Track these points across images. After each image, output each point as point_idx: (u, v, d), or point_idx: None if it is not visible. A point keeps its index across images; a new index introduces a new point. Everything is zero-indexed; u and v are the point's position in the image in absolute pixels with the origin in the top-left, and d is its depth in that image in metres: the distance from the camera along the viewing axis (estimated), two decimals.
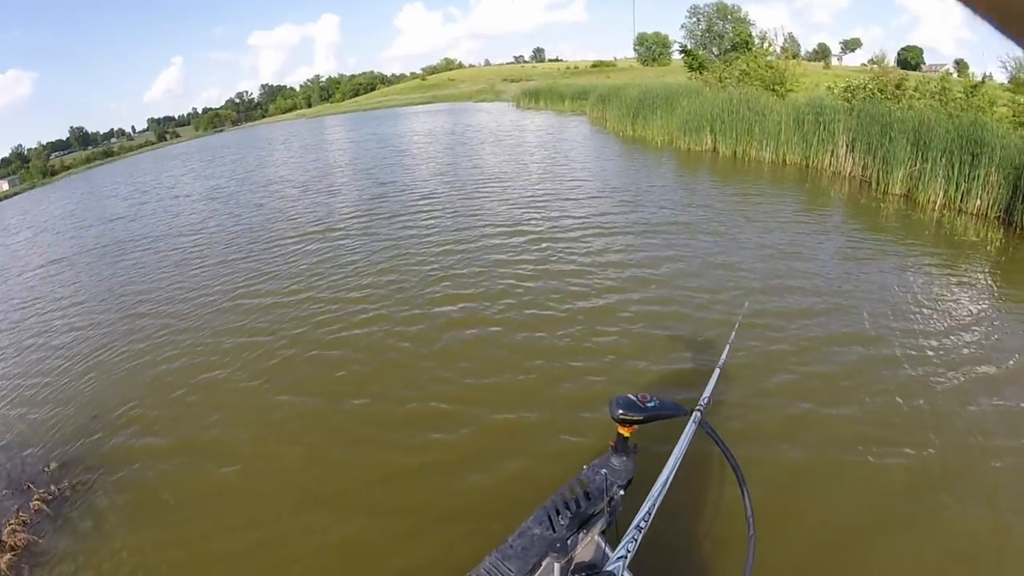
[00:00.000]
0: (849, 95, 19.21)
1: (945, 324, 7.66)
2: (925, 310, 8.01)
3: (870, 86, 19.44)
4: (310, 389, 6.99)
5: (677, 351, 7.09)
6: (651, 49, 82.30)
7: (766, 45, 32.51)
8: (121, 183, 36.83)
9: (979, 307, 8.27)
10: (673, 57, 78.95)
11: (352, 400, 6.62)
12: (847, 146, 15.84)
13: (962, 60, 60.53)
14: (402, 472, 5.30)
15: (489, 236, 12.06)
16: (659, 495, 2.19)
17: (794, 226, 11.74)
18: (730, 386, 6.04)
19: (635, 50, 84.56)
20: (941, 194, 13.16)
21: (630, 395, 2.36)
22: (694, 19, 70.16)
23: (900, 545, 4.23)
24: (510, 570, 2.10)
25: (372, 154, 28.57)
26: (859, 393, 6.03)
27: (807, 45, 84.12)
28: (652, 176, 16.90)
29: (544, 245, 11.21)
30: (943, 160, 13.03)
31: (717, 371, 3.09)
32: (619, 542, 2.20)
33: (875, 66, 29.80)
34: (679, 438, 2.47)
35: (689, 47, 39.05)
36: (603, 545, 2.43)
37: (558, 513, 2.29)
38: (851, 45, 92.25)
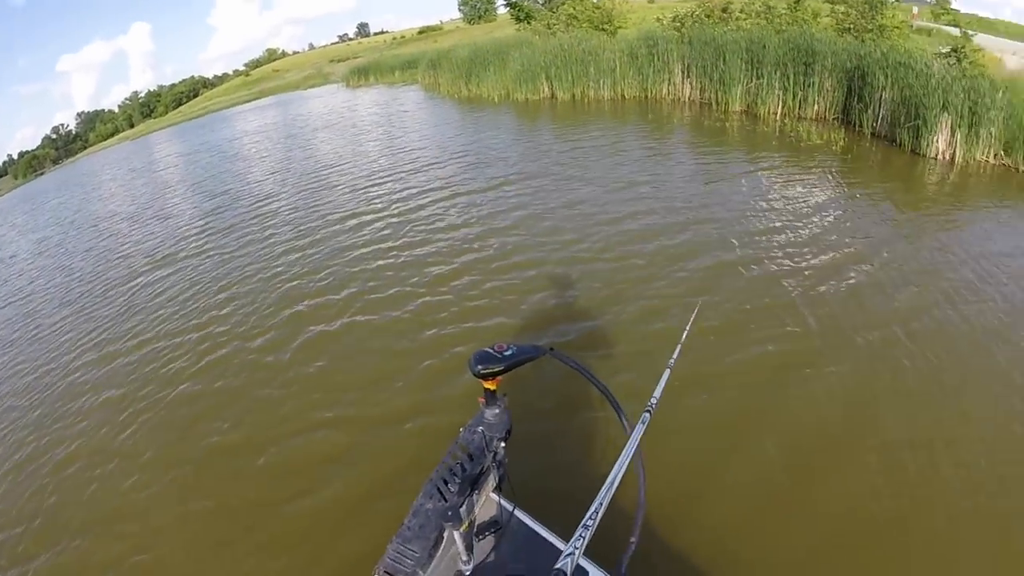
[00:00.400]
0: (678, 24, 19.30)
1: (801, 219, 8.56)
2: (779, 210, 8.85)
3: (697, 13, 19.60)
4: (169, 457, 6.02)
5: (542, 299, 7.22)
6: (476, 7, 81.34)
7: None
8: None
9: (830, 197, 9.37)
10: (499, 12, 78.99)
11: (219, 457, 5.81)
12: (683, 72, 15.90)
13: None
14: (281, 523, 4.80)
15: (333, 225, 11.30)
16: (607, 493, 2.06)
17: (643, 154, 11.90)
18: (595, 319, 6.59)
19: (460, 10, 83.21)
20: (780, 105, 13.52)
21: (486, 348, 2.30)
22: None
23: (780, 419, 4.97)
24: (413, 551, 2.08)
25: (203, 165, 26.34)
26: (723, 287, 6.90)
27: None
28: (494, 132, 16.45)
29: (393, 223, 10.61)
30: (778, 73, 13.44)
31: (667, 372, 2.94)
32: (512, 499, 2.39)
33: None
34: (627, 439, 2.31)
35: None
36: (500, 501, 2.44)
37: (446, 483, 2.23)
38: None
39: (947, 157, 11.06)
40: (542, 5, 38.08)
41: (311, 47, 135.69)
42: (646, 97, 16.89)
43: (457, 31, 69.58)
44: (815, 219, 8.55)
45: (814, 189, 9.74)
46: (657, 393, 2.64)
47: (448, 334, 6.79)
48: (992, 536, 3.85)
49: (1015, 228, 8.26)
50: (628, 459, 2.20)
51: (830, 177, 10.18)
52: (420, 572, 2.08)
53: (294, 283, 9.08)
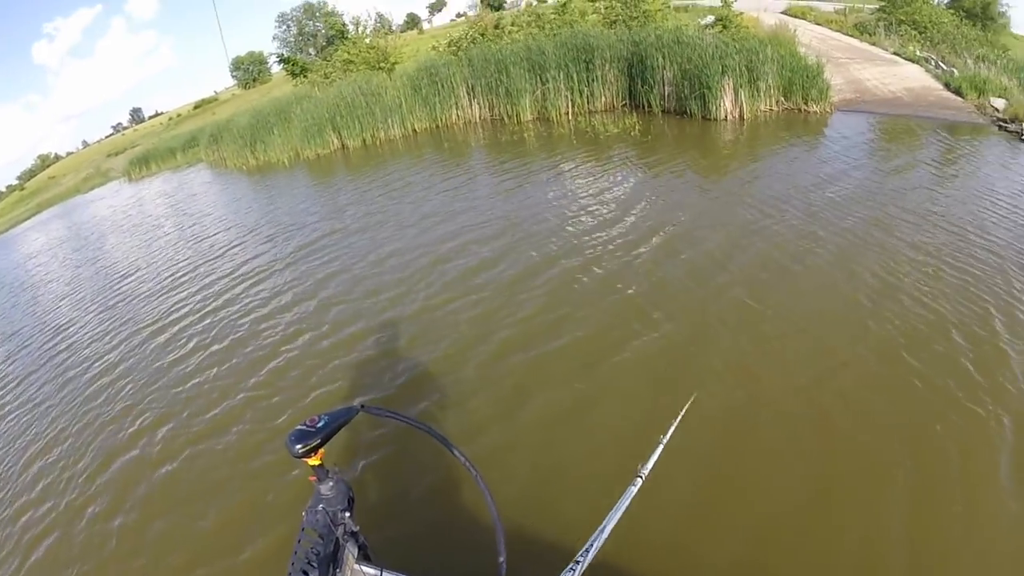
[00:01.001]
0: (455, 48, 19.18)
1: (617, 210, 8.78)
2: (594, 207, 8.98)
3: (471, 33, 19.55)
4: None
5: (382, 365, 6.74)
6: (249, 70, 79.66)
7: (360, 30, 32.02)
8: None
9: (638, 180, 9.65)
10: (273, 71, 77.81)
11: None
12: (469, 94, 15.70)
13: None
14: None
15: (142, 345, 9.83)
16: (596, 541, 2.19)
17: (447, 184, 11.59)
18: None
19: (233, 76, 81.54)
20: (570, 105, 13.56)
21: (298, 426, 2.20)
22: (283, 26, 69.02)
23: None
24: None
25: None
26: (567, 302, 6.92)
27: (398, 19, 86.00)
28: (289, 197, 15.42)
29: (206, 324, 9.49)
30: (562, 75, 13.55)
31: (661, 446, 3.15)
32: (380, 560, 2.31)
33: (466, 16, 30.98)
34: (617, 501, 2.51)
35: (286, 54, 37.70)
36: (367, 569, 2.31)
37: (305, 573, 2.09)
38: (436, 6, 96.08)
39: (736, 115, 11.95)
40: (315, 56, 37.62)
41: (85, 144, 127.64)
42: (437, 127, 16.54)
43: (234, 99, 68.11)
44: (630, 206, 8.73)
45: (620, 176, 9.98)
46: (650, 464, 2.88)
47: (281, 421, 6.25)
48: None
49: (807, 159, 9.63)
50: (620, 512, 2.38)
51: (632, 161, 10.53)
52: None
53: (111, 428, 7.60)
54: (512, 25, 19.53)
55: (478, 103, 15.45)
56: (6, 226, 71.10)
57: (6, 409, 9.75)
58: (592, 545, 2.17)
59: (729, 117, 11.90)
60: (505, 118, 14.60)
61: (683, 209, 8.33)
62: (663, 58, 12.50)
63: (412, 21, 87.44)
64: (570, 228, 8.41)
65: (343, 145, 18.06)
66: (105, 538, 5.48)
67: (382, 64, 23.80)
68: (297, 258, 10.62)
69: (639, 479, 2.75)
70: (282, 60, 34.99)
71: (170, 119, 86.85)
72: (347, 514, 2.32)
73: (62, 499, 6.35)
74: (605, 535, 2.26)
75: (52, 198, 72.03)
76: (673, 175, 9.47)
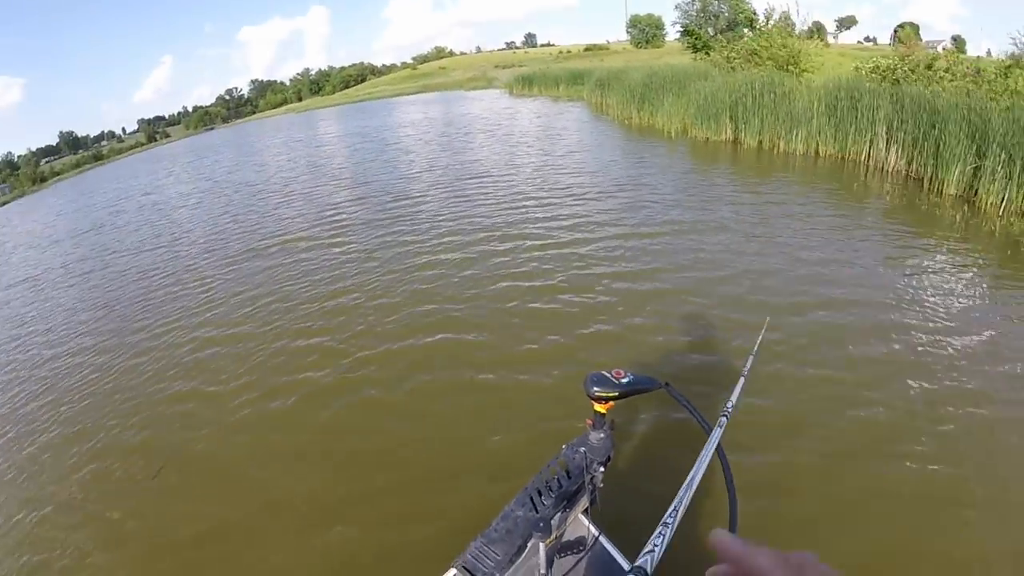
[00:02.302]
0: (882, 75, 17.26)
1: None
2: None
3: (901, 67, 17.41)
4: None
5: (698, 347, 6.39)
6: (644, 31, 79.85)
7: (769, 23, 30.39)
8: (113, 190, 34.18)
9: None
10: (667, 39, 77.41)
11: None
12: (887, 136, 13.50)
13: (959, 36, 58.56)
14: None
15: (481, 244, 10.32)
16: (687, 492, 2.01)
17: (835, 225, 9.83)
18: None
19: (628, 32, 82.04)
20: (1004, 196, 10.95)
21: (604, 372, 2.25)
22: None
23: None
24: (496, 553, 2.07)
25: (359, 150, 26.59)
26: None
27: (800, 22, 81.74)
28: (660, 168, 14.71)
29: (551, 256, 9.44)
30: (1003, 156, 10.88)
31: (742, 379, 2.95)
32: (600, 523, 2.39)
33: (899, 45, 27.70)
34: (706, 441, 2.32)
35: (689, 26, 37.07)
36: (588, 524, 2.41)
37: (540, 494, 2.24)
38: (846, 23, 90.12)
39: None
40: (719, 36, 36.49)
41: (478, 50, 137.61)
42: (842, 158, 14.42)
43: (624, 52, 68.39)
44: None
45: None
46: (733, 399, 2.66)
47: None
48: None
49: None
50: (708, 459, 2.20)
51: None
52: (497, 575, 2.04)
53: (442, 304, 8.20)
54: (946, 71, 17.05)
55: (896, 149, 13.50)
56: (392, 93, 79.55)
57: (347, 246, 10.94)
58: (680, 502, 1.98)
59: None
60: (923, 181, 12.28)
61: None
62: None
63: (816, 30, 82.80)
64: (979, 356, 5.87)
65: (735, 138, 16.82)
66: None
67: (790, 67, 22.23)
68: (666, 231, 10.01)
69: (724, 418, 2.51)
70: (686, 31, 34.41)
71: (560, 52, 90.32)
72: (601, 468, 2.37)
73: None
74: (693, 488, 2.05)
75: (437, 84, 78.82)
76: None
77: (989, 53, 30.54)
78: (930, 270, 7.89)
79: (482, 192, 14.15)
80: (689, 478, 2.06)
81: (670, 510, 1.93)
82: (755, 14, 31.26)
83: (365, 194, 15.96)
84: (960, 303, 6.89)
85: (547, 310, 7.58)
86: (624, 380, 2.24)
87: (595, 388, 2.21)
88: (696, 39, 31.44)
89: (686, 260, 8.70)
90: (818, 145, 14.83)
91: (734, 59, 23.61)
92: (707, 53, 28.73)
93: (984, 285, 7.40)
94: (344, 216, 13.86)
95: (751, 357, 3.20)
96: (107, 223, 21.00)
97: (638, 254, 9.11)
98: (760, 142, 15.93)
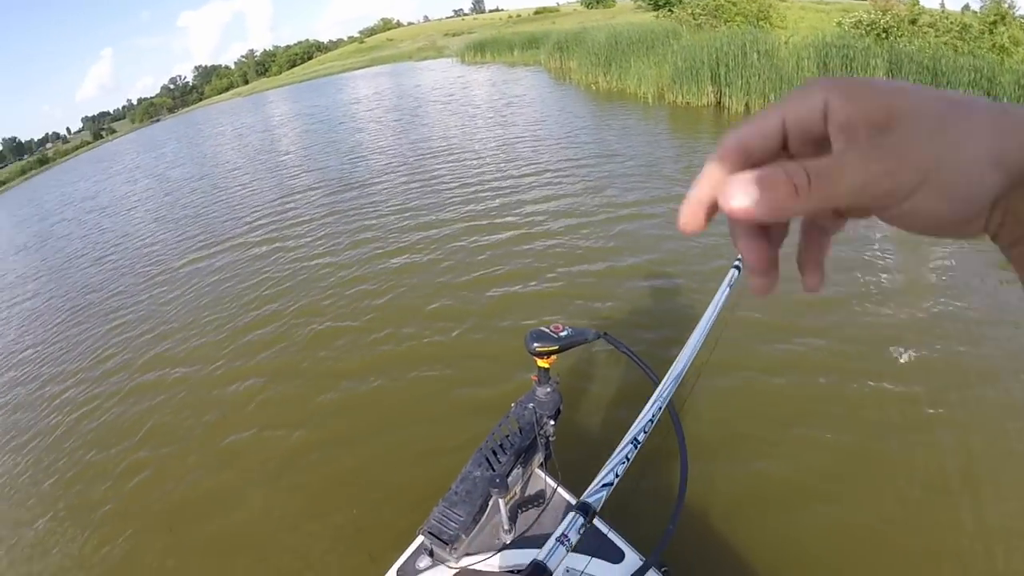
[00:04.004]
0: (863, 31, 15.85)
1: None
2: None
3: (884, 20, 15.98)
4: None
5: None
6: None
7: None
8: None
9: None
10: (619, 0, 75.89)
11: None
12: None
13: None
14: None
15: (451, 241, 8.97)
16: (634, 435, 1.89)
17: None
18: None
19: None
20: None
21: (543, 328, 2.35)
22: None
23: None
24: (458, 515, 2.12)
25: (313, 131, 25.21)
26: None
27: None
28: (644, 138, 13.12)
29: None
30: None
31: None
32: (556, 476, 2.46)
33: None
34: (711, 298, 2.39)
35: None
36: (545, 477, 2.47)
37: (495, 453, 2.30)
38: None
39: None
40: None
41: (426, 19, 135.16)
42: None
43: (575, 14, 66.88)
44: None
45: None
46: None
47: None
48: None
49: None
50: (707, 329, 2.23)
51: None
52: (463, 536, 2.09)
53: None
54: (930, 27, 15.64)
55: None
56: (341, 69, 77.28)
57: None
58: (662, 404, 1.92)
59: None
60: None
61: None
62: None
63: None
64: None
65: (718, 102, 15.00)
66: None
67: (760, 22, 20.70)
68: (628, 213, 8.90)
69: (735, 270, 2.52)
70: None
71: (510, 17, 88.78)
72: (552, 422, 2.45)
73: None
74: (642, 432, 1.88)
75: (386, 56, 76.71)
76: None
77: (943, 5, 29.37)
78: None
79: (448, 171, 12.95)
80: (639, 419, 1.94)
81: (640, 426, 1.86)
82: None
83: (319, 181, 14.73)
84: None
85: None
86: (563, 333, 2.28)
87: (535, 344, 2.26)
88: None
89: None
90: None
91: (700, 15, 22.07)
92: (670, 10, 27.05)
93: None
94: (299, 209, 12.68)
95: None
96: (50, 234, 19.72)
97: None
98: (747, 104, 14.19)
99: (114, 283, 11.14)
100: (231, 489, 4.87)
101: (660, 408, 1.98)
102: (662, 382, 1.99)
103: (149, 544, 4.54)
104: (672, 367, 2.02)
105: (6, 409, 7.51)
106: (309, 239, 10.46)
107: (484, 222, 9.39)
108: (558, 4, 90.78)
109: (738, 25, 19.42)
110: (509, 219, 9.35)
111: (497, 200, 10.37)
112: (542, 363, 2.34)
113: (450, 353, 6.02)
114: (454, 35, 75.12)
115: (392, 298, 7.51)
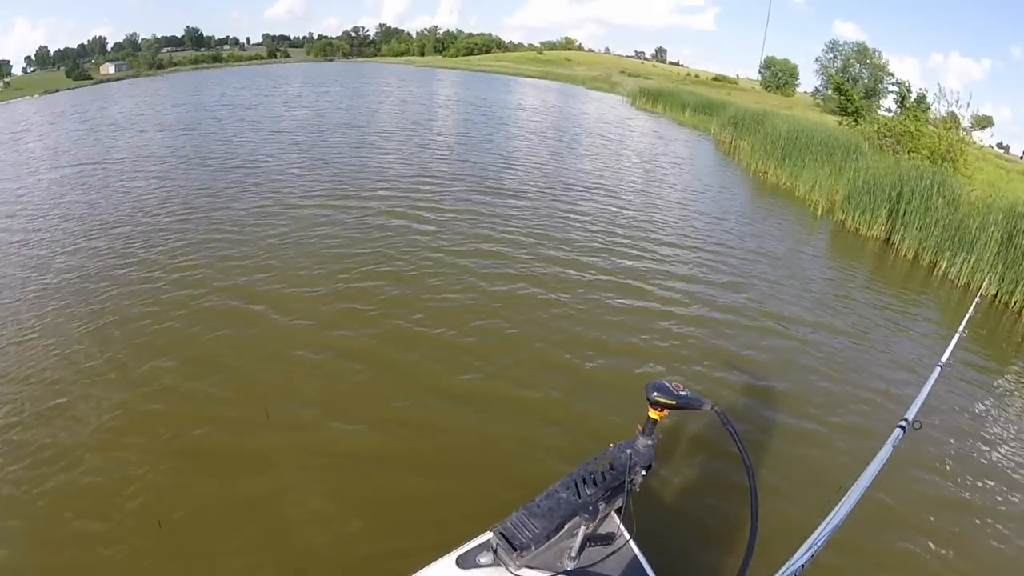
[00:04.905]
0: None
1: None
2: None
3: None
4: None
5: None
6: (777, 75, 76.95)
7: (924, 106, 27.03)
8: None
9: None
10: (799, 89, 74.26)
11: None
12: None
13: None
14: None
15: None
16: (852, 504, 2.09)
17: None
18: None
19: (760, 72, 79.27)
20: None
21: (665, 381, 2.33)
22: (831, 55, 65.13)
23: None
24: (535, 526, 2.11)
25: (472, 122, 25.53)
26: None
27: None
28: (788, 254, 11.89)
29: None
30: None
31: (937, 370, 3.03)
32: (631, 527, 2.35)
33: None
34: (877, 451, 2.41)
35: (842, 83, 33.85)
36: (618, 523, 2.41)
37: (584, 481, 2.31)
38: (980, 123, 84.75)
39: None
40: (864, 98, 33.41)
41: (607, 51, 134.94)
42: (1005, 304, 10.68)
43: (752, 92, 65.61)
44: None
45: None
46: (919, 401, 2.79)
47: None
48: None
49: None
50: (867, 485, 2.26)
51: None
52: (532, 547, 2.07)
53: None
54: None
55: None
56: (513, 71, 78.45)
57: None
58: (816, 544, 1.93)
59: None
60: None
61: None
62: None
63: (981, 123, 77.99)
64: None
65: (888, 239, 13.55)
66: None
67: (944, 160, 19.16)
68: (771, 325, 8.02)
69: (899, 429, 2.58)
70: (839, 90, 31.54)
71: (688, 74, 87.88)
72: (642, 472, 2.41)
73: None
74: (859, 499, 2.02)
75: (559, 75, 77.78)
76: None
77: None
78: None
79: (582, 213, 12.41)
80: (860, 488, 2.02)
81: (832, 513, 1.90)
82: (908, 87, 27.76)
83: (462, 172, 14.76)
84: None
85: None
86: (683, 393, 2.29)
87: (655, 393, 2.27)
88: (849, 100, 28.41)
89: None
90: (999, 291, 11.01)
91: (885, 135, 20.93)
92: (856, 120, 25.83)
93: None
94: (433, 194, 12.64)
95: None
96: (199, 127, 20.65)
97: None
98: (917, 253, 12.69)
99: (232, 197, 11.42)
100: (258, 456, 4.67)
101: (817, 547, 1.97)
102: (824, 522, 1.99)
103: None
104: (832, 513, 2.01)
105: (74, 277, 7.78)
106: (433, 228, 10.28)
107: (614, 279, 8.91)
108: (737, 76, 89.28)
109: (921, 159, 18.25)
110: (645, 287, 8.79)
111: (634, 261, 9.88)
112: (653, 414, 2.37)
113: (545, 412, 5.53)
114: (630, 75, 74.90)
115: (498, 326, 7.05)
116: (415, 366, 6.04)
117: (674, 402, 2.27)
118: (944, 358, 3.03)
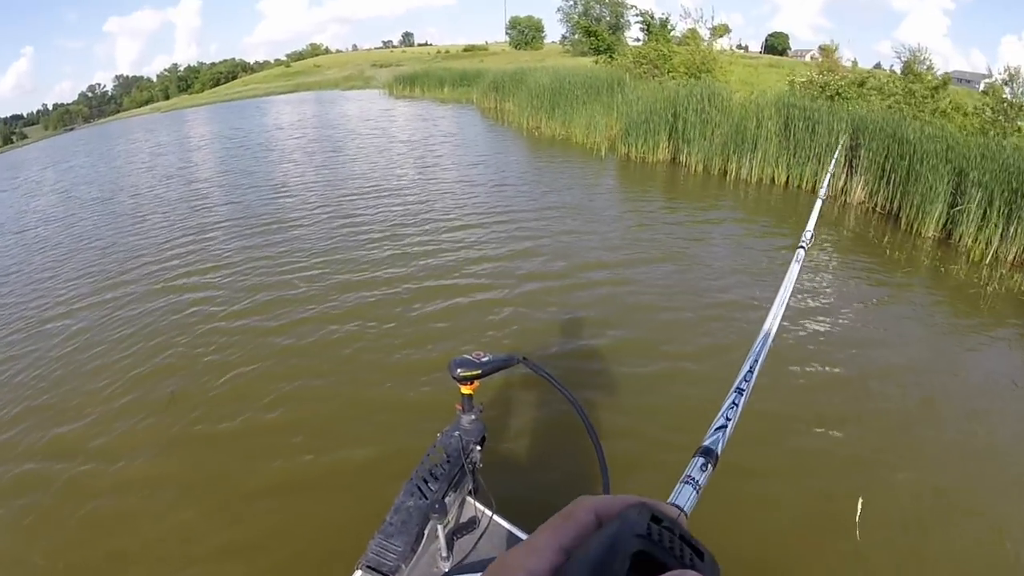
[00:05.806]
0: (816, 91, 15.16)
1: None
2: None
3: (834, 82, 15.37)
4: None
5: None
6: (524, 33, 78.60)
7: (667, 27, 27.84)
8: None
9: None
10: (547, 41, 76.20)
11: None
12: (848, 164, 11.04)
13: (827, 45, 59.13)
14: None
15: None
16: (763, 347, 1.70)
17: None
18: None
19: (507, 34, 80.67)
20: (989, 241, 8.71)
21: (464, 355, 2.28)
22: (571, 2, 67.12)
23: None
24: (396, 546, 2.02)
25: (232, 156, 23.17)
26: None
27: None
28: (587, 191, 12.06)
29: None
30: (980, 194, 8.74)
31: (819, 202, 2.97)
32: (488, 503, 2.38)
33: (819, 59, 26.02)
34: (782, 279, 2.16)
35: (591, 27, 34.44)
36: (476, 504, 2.44)
37: (426, 481, 2.20)
38: (719, 31, 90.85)
39: None
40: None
41: (354, 48, 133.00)
42: (799, 187, 11.71)
43: (503, 54, 66.49)
44: None
45: None
46: (810, 226, 2.59)
47: None
48: None
49: None
50: (785, 300, 2.06)
51: None
52: (403, 566, 2.02)
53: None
54: (878, 92, 14.99)
55: (863, 182, 10.77)
56: (264, 92, 74.66)
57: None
58: (757, 357, 1.66)
59: None
60: (895, 217, 9.89)
61: None
62: None
63: (720, 31, 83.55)
64: None
65: (674, 158, 13.78)
66: None
67: (701, 72, 19.84)
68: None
69: (801, 250, 2.37)
70: (588, 32, 32.06)
71: (439, 52, 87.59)
72: (478, 448, 2.37)
73: None
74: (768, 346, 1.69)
75: (312, 83, 74.57)
76: None
77: (855, 63, 30.58)
78: None
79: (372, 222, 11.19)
80: (764, 330, 1.79)
81: (742, 374, 1.61)
82: (651, 15, 28.40)
83: (234, 216, 12.80)
84: None
85: None
86: (484, 359, 2.25)
87: (459, 369, 2.22)
88: (599, 40, 29.00)
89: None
90: (774, 173, 12.17)
91: (642, 63, 21.22)
92: (611, 56, 26.27)
93: None
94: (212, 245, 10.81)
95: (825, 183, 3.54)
96: None
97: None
98: (706, 167, 13.10)
99: None
100: None
101: (758, 360, 1.68)
102: (759, 337, 1.71)
103: None
104: (764, 326, 1.78)
105: None
106: (203, 294, 8.61)
107: (415, 286, 8.04)
108: (487, 43, 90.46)
109: (681, 77, 18.62)
110: (450, 281, 8.08)
111: (432, 258, 9.03)
112: (465, 389, 2.29)
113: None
114: (382, 66, 73.62)
115: (305, 386, 5.92)
116: (222, 477, 4.75)
117: (479, 371, 2.22)
118: (821, 193, 3.14)
